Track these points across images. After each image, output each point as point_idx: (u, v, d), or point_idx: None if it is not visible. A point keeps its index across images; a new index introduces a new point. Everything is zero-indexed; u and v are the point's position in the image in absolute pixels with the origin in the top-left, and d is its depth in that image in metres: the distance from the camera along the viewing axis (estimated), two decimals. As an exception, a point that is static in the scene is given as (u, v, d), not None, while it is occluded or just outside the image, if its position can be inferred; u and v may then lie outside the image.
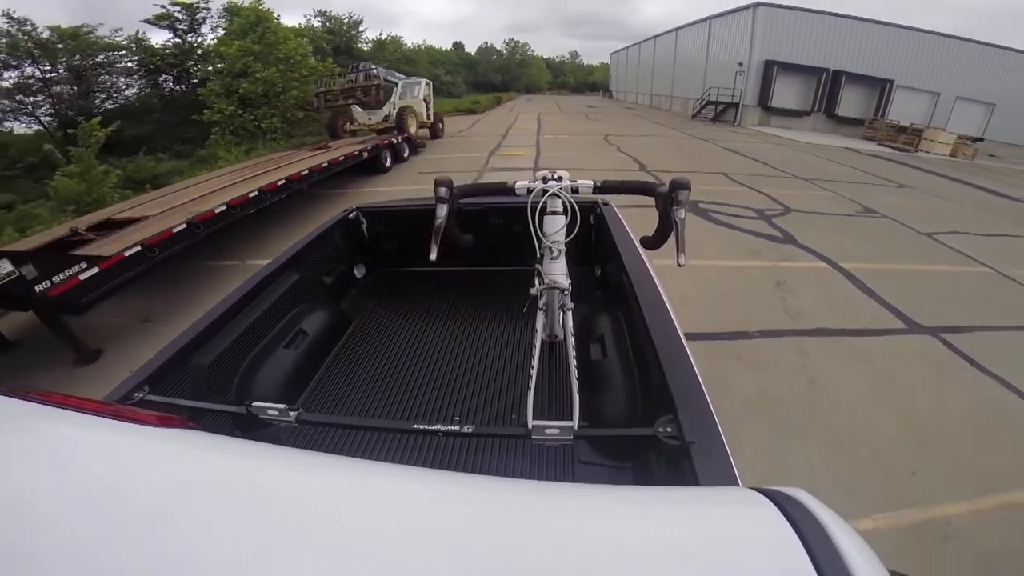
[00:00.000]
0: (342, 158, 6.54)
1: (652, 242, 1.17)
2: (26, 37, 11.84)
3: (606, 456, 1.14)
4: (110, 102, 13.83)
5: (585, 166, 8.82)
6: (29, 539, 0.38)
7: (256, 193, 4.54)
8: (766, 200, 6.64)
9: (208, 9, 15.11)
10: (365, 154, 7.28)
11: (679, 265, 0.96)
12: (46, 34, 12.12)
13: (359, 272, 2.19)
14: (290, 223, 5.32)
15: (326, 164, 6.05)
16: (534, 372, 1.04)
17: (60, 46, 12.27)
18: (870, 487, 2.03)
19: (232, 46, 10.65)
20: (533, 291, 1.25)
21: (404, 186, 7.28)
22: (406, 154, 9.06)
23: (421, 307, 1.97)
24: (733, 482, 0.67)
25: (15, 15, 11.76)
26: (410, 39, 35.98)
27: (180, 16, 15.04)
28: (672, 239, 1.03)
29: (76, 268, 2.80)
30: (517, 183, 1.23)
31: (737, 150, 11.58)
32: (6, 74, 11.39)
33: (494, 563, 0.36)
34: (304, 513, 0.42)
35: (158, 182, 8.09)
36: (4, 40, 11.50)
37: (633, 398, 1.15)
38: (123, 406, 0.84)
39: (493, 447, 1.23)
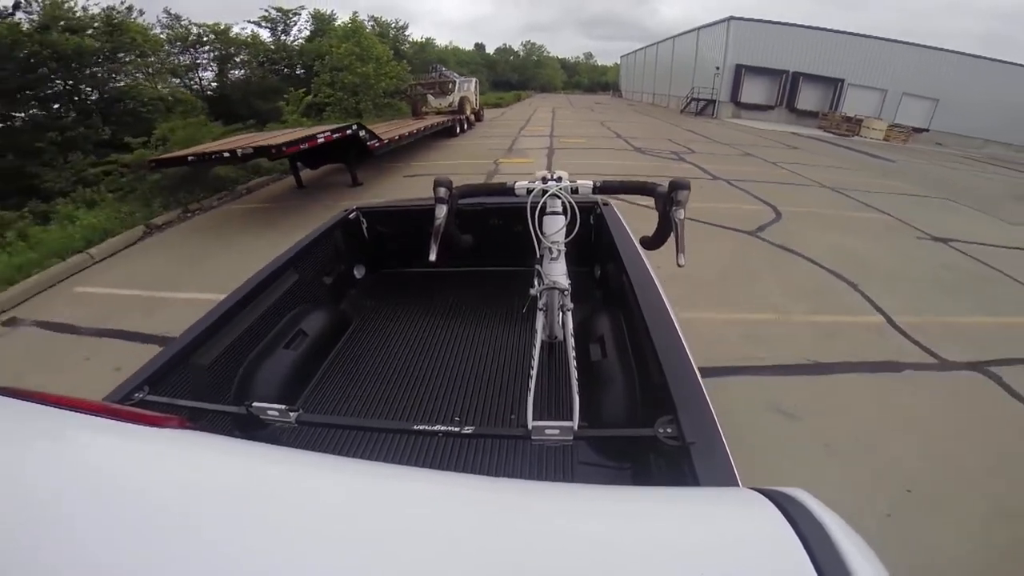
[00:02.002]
0: (437, 124, 11.11)
1: (652, 242, 1.20)
2: (184, 30, 16.60)
3: (606, 457, 1.14)
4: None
5: (583, 134, 13.35)
6: (29, 539, 0.37)
7: (413, 130, 9.07)
8: (684, 149, 11.06)
9: (299, 15, 19.95)
10: (448, 123, 11.96)
11: (679, 265, 0.98)
12: (195, 29, 16.84)
13: (359, 273, 2.20)
14: (422, 151, 9.83)
15: (432, 125, 10.63)
16: (534, 372, 1.04)
17: (206, 39, 16.95)
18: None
19: (341, 47, 15.24)
20: (533, 291, 1.26)
21: (471, 139, 12.01)
22: (466, 127, 13.70)
23: (421, 308, 1.98)
24: (733, 482, 0.67)
25: (172, 11, 16.68)
26: (430, 37, 40.72)
27: (277, 19, 19.85)
28: (672, 239, 1.05)
29: (374, 140, 7.09)
30: (517, 183, 1.24)
31: (693, 130, 15.97)
32: (180, 58, 16.17)
33: (494, 563, 0.36)
34: (304, 513, 0.42)
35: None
36: (170, 32, 16.22)
37: (633, 398, 1.15)
38: (123, 406, 0.83)
39: (493, 448, 1.23)
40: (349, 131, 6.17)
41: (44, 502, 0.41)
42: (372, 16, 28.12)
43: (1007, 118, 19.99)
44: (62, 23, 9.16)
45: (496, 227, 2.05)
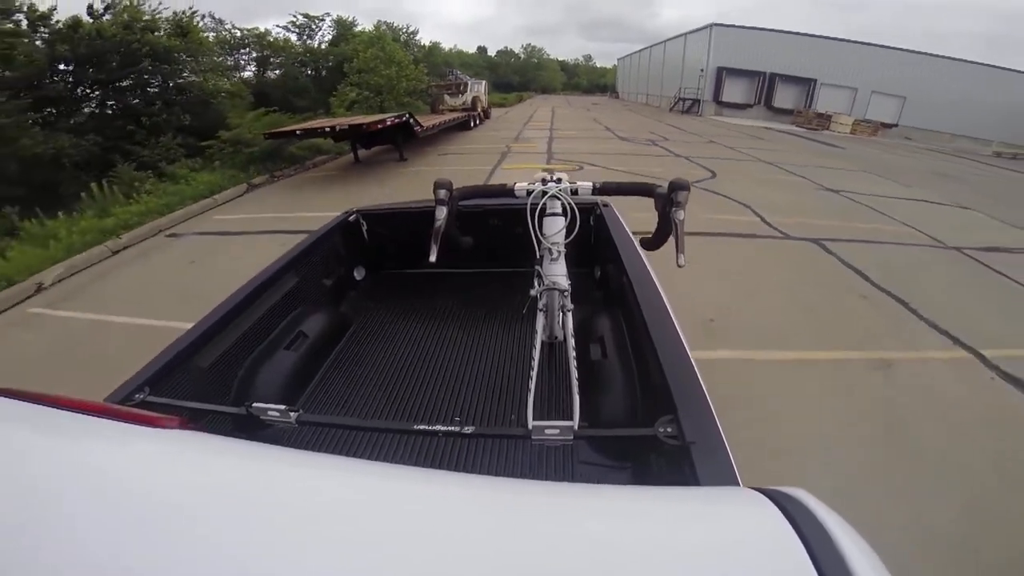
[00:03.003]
0: (459, 117, 13.34)
1: (652, 243, 1.22)
2: (227, 33, 18.67)
3: (606, 456, 1.15)
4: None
5: (577, 127, 15.52)
6: (29, 539, 0.38)
7: (442, 121, 11.26)
8: (660, 138, 13.24)
9: (323, 20, 22.09)
10: (465, 118, 14.15)
11: (679, 266, 1.01)
12: (238, 32, 18.90)
13: (359, 274, 2.22)
14: (446, 141, 11.94)
15: (454, 118, 12.85)
16: (534, 373, 1.05)
17: (248, 42, 19.02)
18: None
19: (368, 51, 17.40)
20: (533, 292, 1.27)
21: (484, 132, 14.12)
22: (478, 122, 15.88)
23: (421, 309, 1.99)
24: (733, 482, 0.67)
25: (216, 16, 18.76)
26: (431, 38, 43.04)
27: (303, 25, 21.97)
28: (672, 240, 1.08)
29: (418, 126, 9.27)
30: (516, 185, 1.26)
31: (673, 124, 18.21)
32: (227, 59, 18.22)
33: (495, 563, 0.36)
34: (305, 514, 0.42)
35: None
36: (216, 34, 18.26)
37: (633, 398, 1.15)
38: (123, 407, 0.84)
39: (493, 448, 1.23)
40: (402, 118, 8.27)
41: (44, 502, 0.41)
42: (384, 21, 30.31)
43: (974, 114, 21.80)
44: (139, 24, 11.05)
45: (496, 228, 2.07)
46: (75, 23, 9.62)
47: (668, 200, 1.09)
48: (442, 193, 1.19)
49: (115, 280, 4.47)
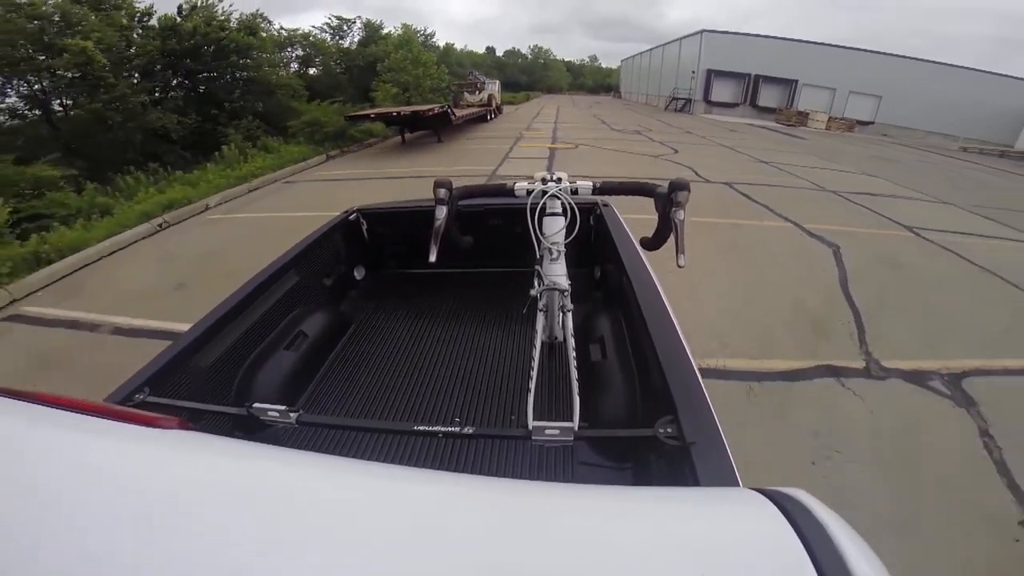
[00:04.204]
0: (480, 110, 16.10)
1: (652, 243, 1.22)
2: (276, 33, 21.23)
3: (606, 457, 1.15)
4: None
5: (578, 121, 18.16)
6: (29, 540, 0.38)
7: (469, 112, 14.10)
8: (646, 129, 15.87)
9: (354, 23, 24.75)
10: (483, 112, 16.88)
11: (679, 266, 1.01)
12: (284, 32, 21.44)
13: (359, 274, 2.23)
14: (469, 131, 14.54)
15: (477, 111, 15.63)
16: (534, 373, 1.06)
17: (295, 41, 21.63)
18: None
19: (398, 53, 20.07)
20: (533, 292, 1.28)
21: (499, 124, 16.82)
22: (494, 116, 18.67)
23: (421, 309, 2.00)
24: (733, 483, 0.68)
25: (265, 15, 21.41)
26: (439, 38, 45.82)
27: (335, 27, 24.67)
28: (672, 240, 1.07)
29: (452, 116, 11.90)
30: (516, 184, 1.26)
31: (662, 120, 20.84)
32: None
33: (495, 564, 0.37)
34: (305, 514, 0.42)
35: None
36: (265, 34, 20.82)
37: (633, 399, 1.16)
38: (123, 407, 0.84)
39: (493, 448, 1.24)
40: (444, 108, 10.89)
41: (44, 502, 0.41)
42: (403, 24, 33.06)
43: (946, 113, 23.73)
44: (216, 23, 12.92)
45: (496, 228, 2.08)
46: (174, 23, 11.95)
47: (668, 200, 1.10)
48: (442, 192, 1.19)
49: (262, 201, 7.13)
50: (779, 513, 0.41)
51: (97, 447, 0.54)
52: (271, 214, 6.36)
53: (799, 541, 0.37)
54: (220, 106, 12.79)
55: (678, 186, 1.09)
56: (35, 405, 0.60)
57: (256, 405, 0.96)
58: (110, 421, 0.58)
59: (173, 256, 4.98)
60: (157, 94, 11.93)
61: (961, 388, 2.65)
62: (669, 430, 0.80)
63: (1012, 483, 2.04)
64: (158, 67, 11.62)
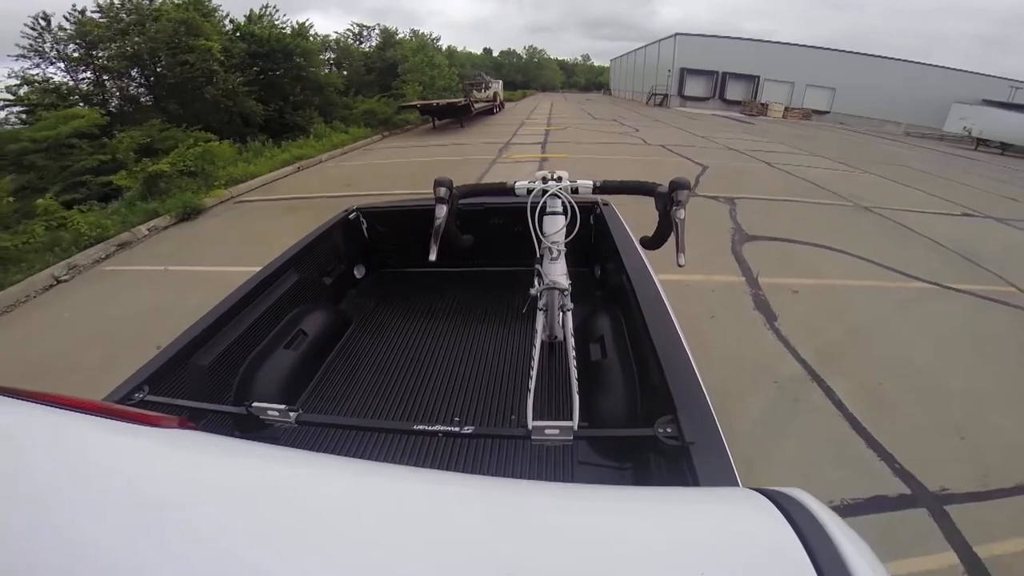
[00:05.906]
0: (490, 105, 19.78)
1: (652, 242, 1.22)
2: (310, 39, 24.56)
3: (606, 456, 1.16)
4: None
5: (570, 113, 22.02)
6: (29, 540, 0.38)
7: (482, 105, 17.95)
8: (622, 118, 19.69)
9: (373, 29, 28.20)
10: (491, 106, 20.55)
11: (679, 265, 1.00)
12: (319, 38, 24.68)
13: (359, 272, 2.23)
14: (481, 121, 18.13)
15: (488, 105, 19.34)
16: (534, 373, 1.06)
17: (327, 44, 24.94)
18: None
19: (416, 57, 23.61)
20: (533, 291, 1.28)
21: (504, 117, 20.47)
22: (499, 110, 22.29)
23: (421, 308, 2.01)
24: (733, 482, 0.68)
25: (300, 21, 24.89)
26: (452, 45, 49.45)
27: (356, 33, 28.16)
28: (672, 239, 1.07)
29: (472, 107, 15.59)
30: (516, 183, 1.26)
31: (638, 112, 24.70)
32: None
33: (494, 563, 0.37)
34: (304, 513, 0.43)
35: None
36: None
37: (633, 398, 1.16)
38: (123, 406, 0.85)
39: (493, 448, 1.24)
40: (465, 101, 14.55)
41: (44, 502, 0.41)
42: (413, 29, 36.59)
43: (891, 102, 27.13)
44: (276, 29, 15.95)
45: (496, 227, 2.08)
46: (252, 30, 15.22)
47: (669, 199, 1.09)
48: (442, 191, 1.19)
49: (355, 159, 10.67)
50: (778, 513, 0.41)
51: (97, 446, 0.54)
52: (369, 162, 10.05)
53: (798, 540, 0.37)
54: (285, 99, 16.32)
55: (679, 185, 1.08)
56: (35, 404, 0.60)
57: (256, 404, 0.97)
58: (110, 420, 0.59)
59: (323, 177, 8.63)
60: (245, 88, 15.46)
61: (733, 202, 6.32)
62: (669, 430, 0.80)
63: (736, 221, 5.72)
64: (248, 66, 15.13)
